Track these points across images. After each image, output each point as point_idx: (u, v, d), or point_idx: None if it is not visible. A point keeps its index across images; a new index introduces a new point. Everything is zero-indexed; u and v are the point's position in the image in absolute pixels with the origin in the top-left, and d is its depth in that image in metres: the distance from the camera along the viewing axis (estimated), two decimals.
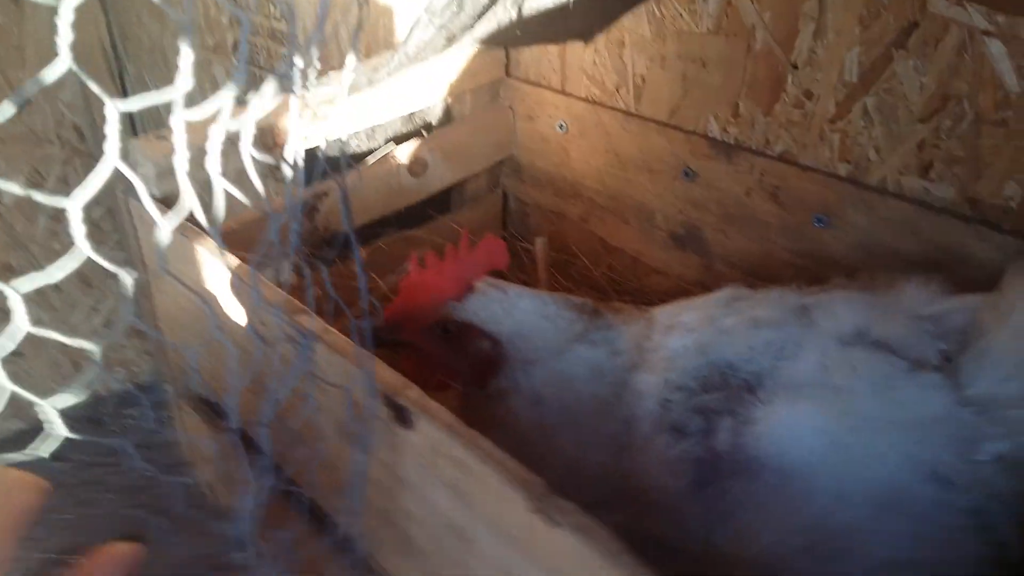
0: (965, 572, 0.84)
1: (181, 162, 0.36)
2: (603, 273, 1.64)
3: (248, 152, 0.40)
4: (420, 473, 0.75)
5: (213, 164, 0.37)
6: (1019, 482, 0.84)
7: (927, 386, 0.88)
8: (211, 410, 1.22)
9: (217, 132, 0.37)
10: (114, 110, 0.34)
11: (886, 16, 1.09)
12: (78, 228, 0.35)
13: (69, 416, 0.45)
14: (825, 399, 0.90)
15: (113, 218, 2.41)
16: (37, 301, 2.35)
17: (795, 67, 1.22)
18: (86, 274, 2.55)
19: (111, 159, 0.34)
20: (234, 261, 0.84)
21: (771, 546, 0.88)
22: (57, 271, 0.36)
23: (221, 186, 0.39)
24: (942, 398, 0.87)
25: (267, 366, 0.81)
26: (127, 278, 0.39)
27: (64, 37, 0.31)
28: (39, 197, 0.36)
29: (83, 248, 0.35)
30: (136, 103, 0.34)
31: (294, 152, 0.50)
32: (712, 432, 0.93)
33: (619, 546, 0.57)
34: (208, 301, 0.41)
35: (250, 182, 0.44)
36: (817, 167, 1.26)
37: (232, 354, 0.51)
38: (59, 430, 0.42)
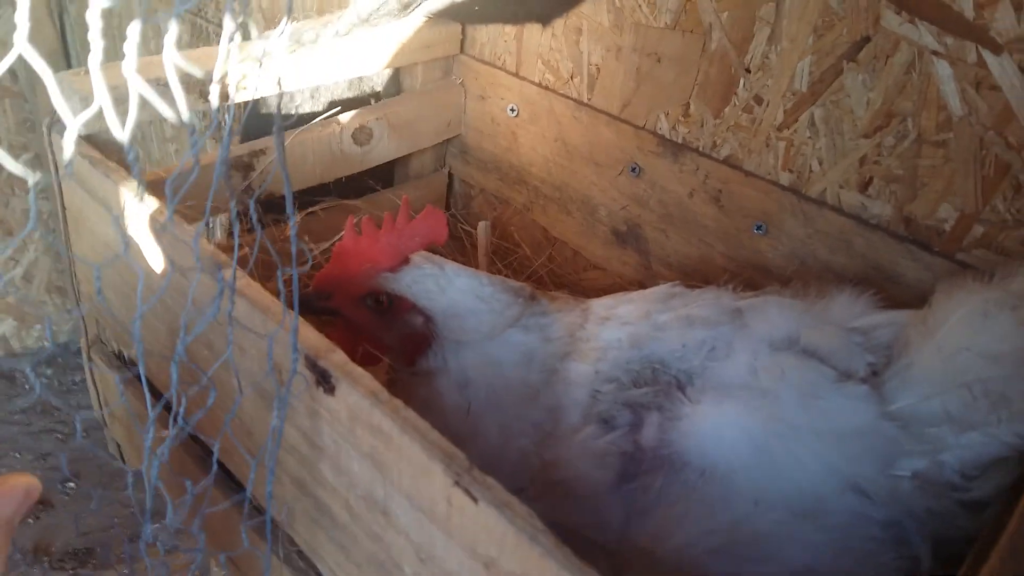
0: None
1: (95, 55, 0.33)
2: (543, 264, 1.63)
3: (172, 67, 0.36)
4: (339, 441, 0.72)
5: (129, 67, 0.34)
6: (933, 499, 0.85)
7: (852, 397, 0.89)
8: (122, 363, 1.16)
9: (133, 30, 0.34)
10: None
11: (840, 27, 1.10)
12: None
13: None
14: (752, 402, 0.91)
15: (40, 164, 2.31)
16: None
17: (748, 71, 1.22)
18: (7, 222, 2.43)
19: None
20: (152, 201, 0.80)
21: (687, 544, 0.87)
22: None
23: (136, 87, 0.35)
24: (866, 410, 0.88)
25: (179, 300, 0.76)
26: (32, 178, 0.35)
27: None
28: None
29: None
30: None
31: (222, 101, 0.47)
32: (639, 426, 0.93)
33: (538, 524, 0.55)
34: (116, 215, 0.38)
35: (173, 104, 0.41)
36: (760, 174, 1.27)
37: (139, 274, 0.47)
38: None
